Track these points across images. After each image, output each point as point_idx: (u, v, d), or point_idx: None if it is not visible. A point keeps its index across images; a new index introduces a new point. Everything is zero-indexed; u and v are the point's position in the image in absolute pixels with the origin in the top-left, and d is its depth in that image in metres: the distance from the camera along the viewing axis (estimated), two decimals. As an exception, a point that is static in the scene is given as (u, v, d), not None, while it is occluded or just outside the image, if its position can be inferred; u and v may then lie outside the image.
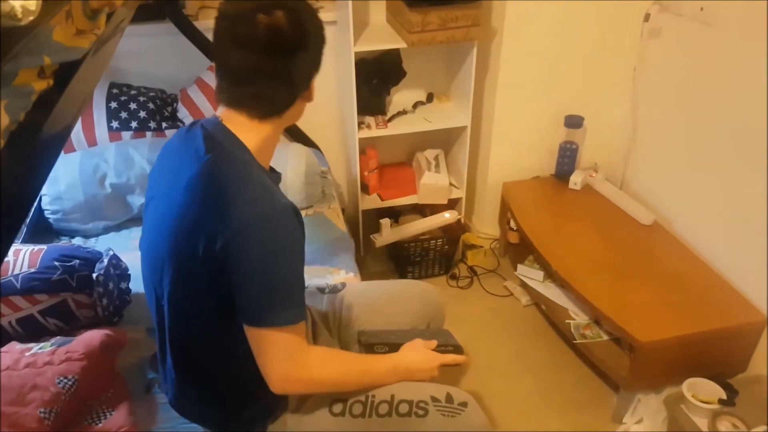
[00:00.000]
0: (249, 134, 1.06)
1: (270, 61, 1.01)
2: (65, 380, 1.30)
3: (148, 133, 2.17)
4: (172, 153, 1.15)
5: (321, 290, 1.49)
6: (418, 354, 1.23)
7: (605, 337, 1.85)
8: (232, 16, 1.00)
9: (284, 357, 1.05)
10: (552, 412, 1.88)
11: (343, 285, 1.50)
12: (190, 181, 1.02)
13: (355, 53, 2.06)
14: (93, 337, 1.44)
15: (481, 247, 2.52)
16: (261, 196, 0.99)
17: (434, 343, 1.27)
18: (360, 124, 2.24)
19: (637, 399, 1.78)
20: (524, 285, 2.19)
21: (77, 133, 2.11)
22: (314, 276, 1.73)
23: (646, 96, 2.21)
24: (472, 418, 1.20)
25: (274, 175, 1.15)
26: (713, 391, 1.64)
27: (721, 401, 1.60)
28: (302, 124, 2.45)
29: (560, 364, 2.03)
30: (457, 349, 1.29)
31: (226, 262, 0.97)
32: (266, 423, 1.19)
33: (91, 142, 2.13)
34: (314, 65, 1.08)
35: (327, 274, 1.77)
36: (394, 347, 1.26)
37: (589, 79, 2.30)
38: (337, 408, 1.18)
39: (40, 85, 0.65)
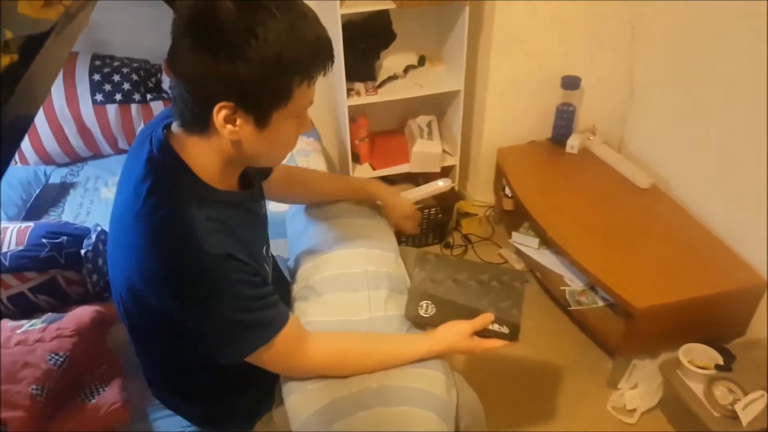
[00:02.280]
0: (189, 151, 0.94)
1: (194, 58, 0.83)
2: (56, 357, 1.32)
3: (133, 106, 2.16)
4: (125, 171, 1.04)
5: None
6: (456, 343, 1.12)
7: (601, 303, 1.86)
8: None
9: (285, 363, 1.04)
10: (547, 378, 1.91)
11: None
12: (124, 222, 0.96)
13: (342, 16, 2.01)
14: (83, 313, 1.45)
15: (476, 215, 2.52)
16: (186, 249, 0.89)
17: (486, 321, 1.15)
18: (349, 91, 2.21)
19: (633, 364, 1.80)
20: (519, 252, 2.19)
21: (62, 108, 2.10)
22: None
23: (644, 55, 2.18)
24: (463, 393, 1.21)
25: (242, 194, 1.05)
26: (710, 356, 1.66)
27: (717, 367, 1.62)
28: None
29: (555, 331, 2.05)
30: (513, 331, 1.16)
31: (164, 312, 0.95)
32: (253, 421, 1.20)
33: (76, 116, 2.11)
34: (241, 92, 0.84)
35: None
36: (443, 307, 1.17)
37: (587, 38, 2.26)
38: None
39: (5, 61, 0.63)
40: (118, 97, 2.15)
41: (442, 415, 1.03)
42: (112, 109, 2.14)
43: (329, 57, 0.90)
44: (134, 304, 1.02)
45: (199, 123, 0.90)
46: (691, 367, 1.62)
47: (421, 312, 1.17)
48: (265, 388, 1.20)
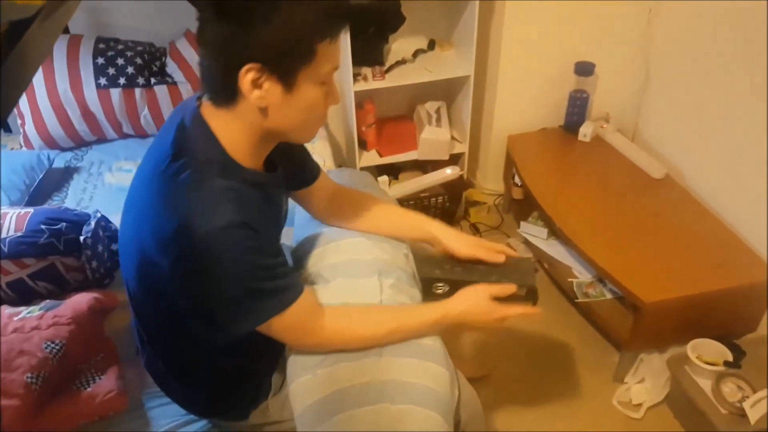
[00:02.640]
0: (218, 124, 0.94)
1: (218, 21, 0.86)
2: (52, 345, 1.32)
3: (137, 90, 2.14)
4: (156, 140, 1.04)
5: None
6: (474, 306, 1.09)
7: (609, 296, 1.82)
8: None
9: (298, 335, 1.03)
10: (552, 370, 1.88)
11: None
12: (146, 184, 0.96)
13: None
14: (81, 300, 1.44)
15: (485, 203, 2.48)
16: (202, 213, 0.88)
17: (505, 289, 1.11)
18: (356, 75, 2.17)
19: (640, 359, 1.77)
20: (527, 243, 2.16)
21: (66, 91, 2.09)
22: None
23: (660, 40, 2.11)
24: (463, 390, 1.19)
25: (266, 176, 1.03)
26: (719, 352, 1.61)
27: (726, 363, 1.58)
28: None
29: (562, 323, 2.02)
30: (531, 293, 1.13)
31: (175, 280, 0.94)
32: (248, 411, 1.20)
33: (80, 100, 2.10)
34: (267, 52, 0.86)
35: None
36: (456, 285, 1.13)
37: (602, 22, 2.19)
38: None
39: (-14, 47, 0.62)
40: (122, 81, 2.13)
41: (444, 414, 1.02)
42: (115, 93, 2.13)
43: (350, 15, 0.92)
44: (143, 283, 1.02)
45: (227, 92, 0.90)
46: (699, 363, 1.58)
47: (437, 291, 1.15)
48: (263, 380, 1.20)
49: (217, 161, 0.93)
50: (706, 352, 1.61)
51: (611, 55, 2.23)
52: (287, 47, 0.86)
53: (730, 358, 1.59)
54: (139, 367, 1.38)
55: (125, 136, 2.23)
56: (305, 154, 1.22)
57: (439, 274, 1.17)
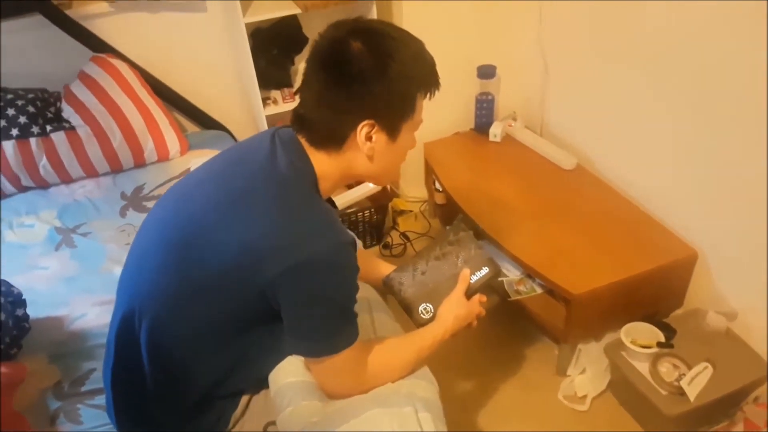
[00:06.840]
0: (315, 160, 0.95)
1: (336, 87, 0.89)
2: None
3: (33, 140, 1.84)
4: (240, 158, 1.00)
5: None
6: (459, 317, 1.14)
7: (539, 291, 1.69)
8: (328, 38, 0.91)
9: (349, 377, 0.99)
10: (495, 370, 1.73)
11: None
12: (256, 197, 0.90)
13: (248, 24, 1.77)
14: (-17, 381, 1.17)
15: (411, 211, 2.32)
16: (327, 232, 0.89)
17: (465, 277, 1.16)
18: (265, 99, 1.96)
19: (579, 349, 1.65)
20: (456, 247, 2.01)
21: (-49, 149, 1.77)
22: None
23: (555, 34, 2.01)
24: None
25: (336, 211, 1.05)
26: (652, 333, 1.51)
27: (659, 344, 1.48)
28: (205, 104, 2.17)
29: (500, 322, 1.87)
30: (492, 266, 1.20)
31: (276, 291, 0.88)
32: None
33: (-31, 157, 1.79)
34: (381, 109, 0.91)
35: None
36: (433, 298, 1.16)
37: (497, 25, 2.08)
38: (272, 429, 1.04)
39: None
40: (15, 132, 1.83)
41: (438, 416, 1.00)
42: (9, 146, 1.82)
43: (437, 75, 0.96)
44: (189, 289, 0.92)
45: (336, 142, 0.93)
46: (634, 348, 1.47)
47: (425, 316, 1.16)
48: (224, 413, 1.05)
49: (316, 188, 0.95)
50: (639, 336, 1.51)
51: (511, 55, 2.13)
52: (400, 102, 0.91)
53: (663, 339, 1.49)
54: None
55: (24, 189, 1.91)
56: None
57: (414, 294, 1.17)
